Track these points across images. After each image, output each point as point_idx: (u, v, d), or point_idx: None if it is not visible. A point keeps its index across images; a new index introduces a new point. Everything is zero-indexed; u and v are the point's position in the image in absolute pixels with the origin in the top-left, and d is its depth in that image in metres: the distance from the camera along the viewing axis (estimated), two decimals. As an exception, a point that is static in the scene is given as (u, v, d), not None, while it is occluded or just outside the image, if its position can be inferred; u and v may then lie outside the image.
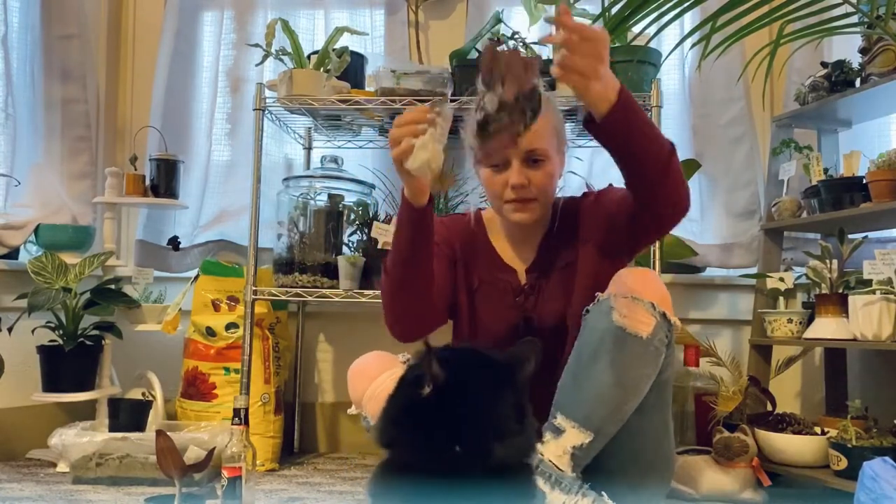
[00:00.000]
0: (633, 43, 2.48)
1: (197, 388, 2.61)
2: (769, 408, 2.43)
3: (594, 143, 2.87)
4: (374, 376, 1.66)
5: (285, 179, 2.76)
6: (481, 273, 1.74)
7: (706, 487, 2.13)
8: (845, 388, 2.57)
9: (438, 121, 1.31)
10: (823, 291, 2.32)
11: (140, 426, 2.40)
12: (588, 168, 2.92)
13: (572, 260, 1.69)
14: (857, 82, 2.39)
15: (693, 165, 2.65)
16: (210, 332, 2.64)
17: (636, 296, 1.48)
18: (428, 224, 1.48)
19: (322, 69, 2.59)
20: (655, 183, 1.41)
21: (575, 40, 1.20)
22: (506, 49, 1.34)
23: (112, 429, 2.39)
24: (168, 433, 1.91)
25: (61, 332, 2.48)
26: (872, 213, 2.21)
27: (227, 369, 2.61)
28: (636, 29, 2.25)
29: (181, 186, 2.78)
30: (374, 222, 2.51)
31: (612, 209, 1.64)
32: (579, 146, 2.91)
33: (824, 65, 2.50)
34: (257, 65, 2.83)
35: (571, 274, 1.67)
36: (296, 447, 2.91)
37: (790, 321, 2.43)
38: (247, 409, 2.45)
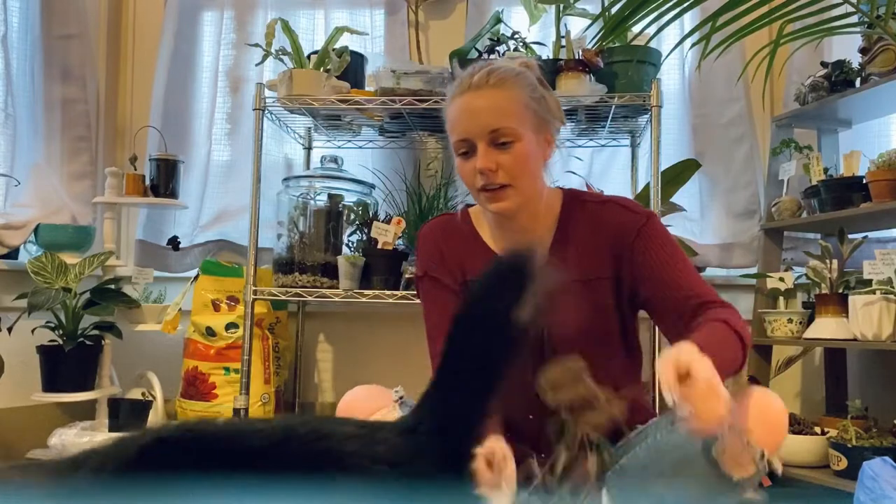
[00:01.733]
0: (633, 43, 2.48)
1: (197, 388, 2.61)
2: (769, 408, 2.43)
3: (594, 143, 2.91)
4: (365, 415, 1.49)
5: (285, 179, 2.76)
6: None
7: (706, 487, 2.13)
8: (845, 388, 2.57)
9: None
10: (823, 291, 2.32)
11: (140, 426, 2.40)
12: (588, 168, 2.92)
13: (593, 278, 1.45)
14: (857, 82, 2.39)
15: (693, 165, 2.65)
16: (210, 332, 2.64)
17: (750, 439, 1.26)
18: None
19: (322, 69, 2.59)
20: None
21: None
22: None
23: (112, 429, 2.39)
24: (168, 433, 1.91)
25: (61, 332, 2.48)
26: (872, 213, 2.21)
27: (227, 369, 2.61)
28: (636, 29, 2.25)
29: (181, 186, 2.78)
30: (374, 222, 2.51)
31: (650, 290, 1.42)
32: (579, 146, 2.91)
33: (824, 65, 2.50)
34: (257, 65, 2.83)
35: (591, 293, 1.45)
36: (296, 447, 2.90)
37: (790, 321, 2.43)
38: (247, 409, 2.45)
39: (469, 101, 1.38)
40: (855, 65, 2.41)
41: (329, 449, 0.72)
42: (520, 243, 1.45)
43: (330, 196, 2.67)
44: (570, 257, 1.45)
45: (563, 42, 2.52)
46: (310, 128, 2.98)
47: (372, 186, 2.80)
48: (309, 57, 2.67)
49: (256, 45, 2.65)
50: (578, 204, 1.49)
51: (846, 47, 2.56)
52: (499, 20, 2.68)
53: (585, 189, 2.63)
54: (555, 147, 1.48)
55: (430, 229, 1.58)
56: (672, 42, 2.61)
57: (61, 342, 2.46)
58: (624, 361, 1.49)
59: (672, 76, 2.92)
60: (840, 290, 2.28)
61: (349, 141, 2.99)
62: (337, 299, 2.49)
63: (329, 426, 0.76)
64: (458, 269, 1.52)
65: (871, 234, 2.46)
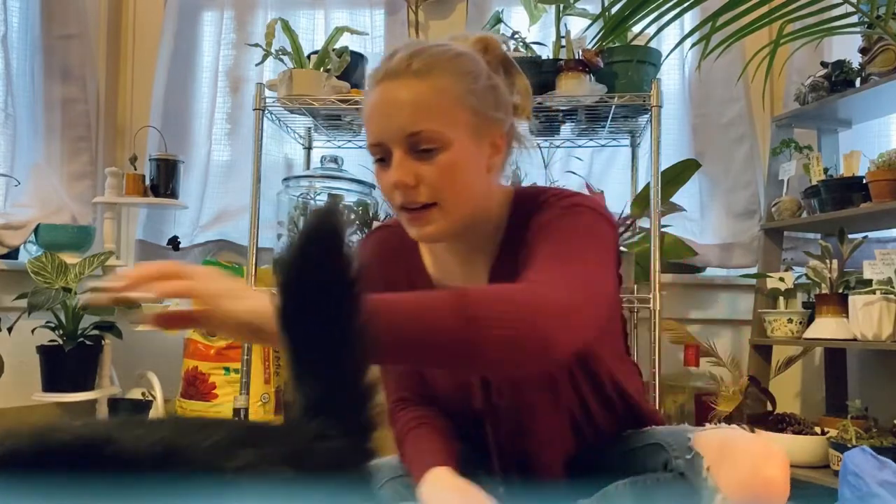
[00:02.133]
0: (633, 43, 2.48)
1: (197, 388, 2.61)
2: (769, 408, 2.43)
3: (594, 143, 2.91)
4: None
5: (285, 179, 2.76)
6: None
7: (706, 487, 2.13)
8: (845, 388, 2.57)
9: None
10: (823, 291, 2.32)
11: (140, 426, 2.40)
12: (588, 168, 2.92)
13: None
14: (858, 82, 2.39)
15: (693, 165, 2.65)
16: (210, 332, 2.64)
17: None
18: None
19: (322, 69, 2.59)
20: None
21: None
22: None
23: (112, 429, 2.38)
24: (168, 433, 1.91)
25: (61, 331, 2.47)
26: (872, 213, 2.21)
27: (227, 369, 2.61)
28: (636, 29, 2.25)
29: (181, 186, 2.78)
30: (374, 222, 2.51)
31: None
32: (579, 146, 2.91)
33: (824, 65, 2.50)
34: (257, 65, 2.83)
35: None
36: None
37: (790, 321, 2.43)
38: (247, 409, 2.45)
39: (384, 93, 1.07)
40: (855, 65, 2.41)
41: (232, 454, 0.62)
42: (457, 273, 1.18)
43: (330, 196, 2.67)
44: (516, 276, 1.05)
45: (563, 42, 2.52)
46: (310, 128, 2.98)
47: (372, 186, 2.80)
48: (309, 57, 2.67)
49: (256, 45, 2.65)
50: (525, 212, 1.13)
51: (846, 47, 2.56)
52: (499, 20, 2.68)
53: (585, 189, 2.63)
54: (508, 150, 1.16)
55: (365, 244, 1.29)
56: (672, 42, 2.61)
57: (61, 342, 2.46)
58: (608, 369, 1.19)
59: (672, 76, 2.91)
60: (840, 290, 2.28)
61: (349, 141, 2.99)
62: (337, 299, 2.48)
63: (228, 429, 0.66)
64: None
65: (872, 234, 2.46)
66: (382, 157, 1.08)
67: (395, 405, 1.25)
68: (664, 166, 2.47)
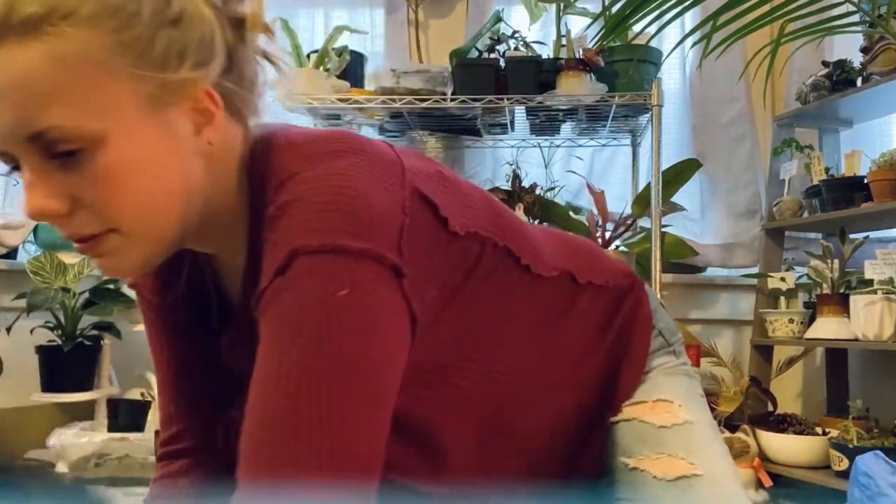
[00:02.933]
0: (634, 42, 2.48)
1: (196, 388, 2.60)
2: (770, 408, 2.42)
3: (594, 142, 2.90)
4: None
5: (285, 179, 2.75)
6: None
7: (707, 488, 2.13)
8: (846, 388, 2.57)
9: None
10: (825, 291, 2.31)
11: (139, 426, 2.39)
12: (589, 168, 2.91)
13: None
14: (859, 81, 2.39)
15: (694, 165, 2.64)
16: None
17: None
18: None
19: (321, 68, 2.58)
20: None
21: None
22: None
23: (111, 429, 2.38)
24: (167, 434, 1.91)
25: (60, 332, 2.47)
26: (874, 213, 2.21)
27: (226, 369, 2.60)
28: (637, 28, 2.24)
29: (180, 186, 2.78)
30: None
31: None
32: (580, 145, 2.90)
33: (825, 64, 2.49)
34: (257, 64, 2.82)
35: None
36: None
37: (791, 321, 2.42)
38: (246, 410, 2.45)
39: None
40: (856, 64, 2.40)
41: None
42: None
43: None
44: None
45: (564, 41, 2.52)
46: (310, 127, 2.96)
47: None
48: (308, 56, 2.66)
49: (256, 44, 2.64)
50: (261, 211, 0.70)
51: (847, 47, 2.55)
52: (499, 19, 2.67)
53: (586, 189, 2.62)
54: (238, 99, 0.73)
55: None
56: (673, 41, 2.60)
57: (60, 342, 2.46)
58: None
59: (673, 75, 2.91)
60: (841, 290, 2.28)
61: (349, 140, 2.98)
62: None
63: None
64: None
65: (873, 234, 2.45)
66: (17, 166, 0.71)
67: (165, 447, 0.99)
68: (665, 166, 2.47)
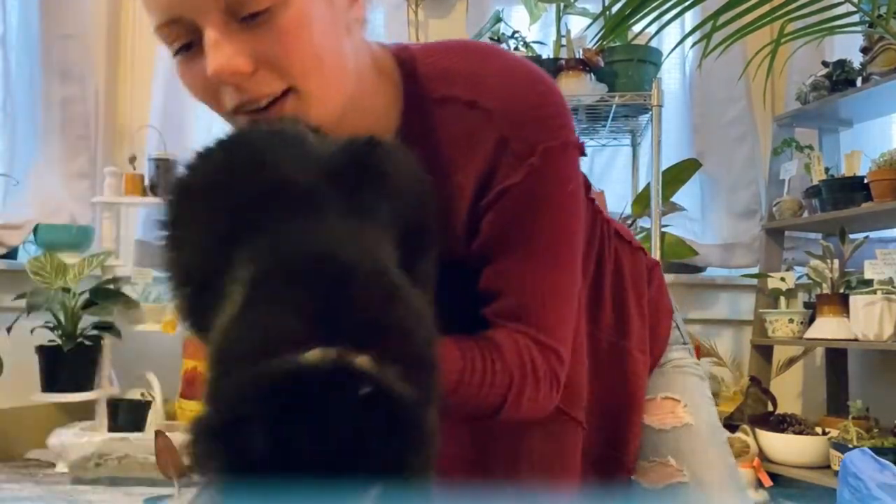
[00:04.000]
0: (634, 42, 2.48)
1: (196, 388, 2.60)
2: (770, 408, 2.42)
3: (594, 142, 2.90)
4: None
5: (285, 179, 2.75)
6: None
7: (707, 488, 2.13)
8: (846, 388, 2.57)
9: None
10: (824, 291, 2.31)
11: (139, 426, 2.39)
12: (589, 167, 2.91)
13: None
14: (859, 81, 2.39)
15: (694, 165, 2.64)
16: (209, 332, 2.63)
17: None
18: None
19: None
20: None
21: None
22: None
23: (111, 429, 2.38)
24: (167, 434, 1.91)
25: (60, 332, 2.47)
26: (874, 213, 2.21)
27: (226, 369, 2.60)
28: (637, 28, 2.24)
29: (180, 186, 2.77)
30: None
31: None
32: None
33: (825, 64, 2.49)
34: (257, 64, 2.82)
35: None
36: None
37: (791, 321, 2.42)
38: (246, 410, 2.45)
39: None
40: (856, 64, 2.40)
41: None
42: None
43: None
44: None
45: (564, 41, 2.52)
46: (309, 127, 2.97)
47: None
48: (308, 56, 2.66)
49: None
50: (433, 102, 0.78)
51: (847, 47, 2.55)
52: (499, 19, 2.67)
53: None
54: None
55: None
56: (673, 41, 2.60)
57: (60, 342, 2.45)
58: None
59: (673, 75, 2.91)
60: (841, 290, 2.28)
61: (349, 140, 2.98)
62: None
63: None
64: None
65: (873, 234, 2.45)
66: (187, 44, 0.71)
67: None
68: (665, 166, 2.47)
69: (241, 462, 0.46)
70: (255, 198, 0.58)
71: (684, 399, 0.94)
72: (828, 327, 2.25)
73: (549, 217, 0.77)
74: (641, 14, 1.50)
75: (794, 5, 1.47)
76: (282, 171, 0.58)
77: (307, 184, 0.58)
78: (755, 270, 2.72)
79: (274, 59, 0.69)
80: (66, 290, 2.43)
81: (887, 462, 1.60)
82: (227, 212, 0.60)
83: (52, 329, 2.46)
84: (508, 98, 0.76)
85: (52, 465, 2.46)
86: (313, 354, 0.48)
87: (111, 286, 2.60)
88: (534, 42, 2.62)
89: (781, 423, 2.29)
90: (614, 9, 1.51)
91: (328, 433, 0.46)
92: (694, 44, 2.79)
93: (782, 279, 2.49)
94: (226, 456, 0.47)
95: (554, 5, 2.63)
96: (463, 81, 0.77)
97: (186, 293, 0.66)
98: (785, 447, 2.22)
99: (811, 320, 2.36)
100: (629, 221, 2.53)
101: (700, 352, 2.54)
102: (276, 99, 0.70)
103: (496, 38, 2.56)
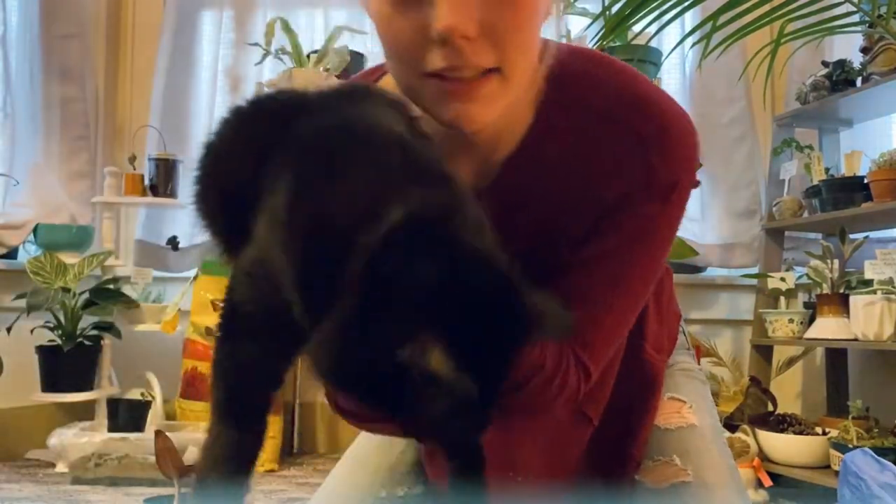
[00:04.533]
0: (634, 42, 2.47)
1: (196, 388, 2.60)
2: (770, 408, 2.42)
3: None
4: None
5: (285, 179, 2.75)
6: None
7: (707, 488, 2.13)
8: (846, 388, 2.57)
9: None
10: (824, 291, 2.31)
11: (139, 426, 2.39)
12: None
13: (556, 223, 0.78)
14: (859, 81, 2.39)
15: (694, 165, 2.64)
16: (209, 332, 2.63)
17: None
18: None
19: (322, 68, 2.58)
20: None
21: None
22: None
23: (111, 429, 2.38)
24: (167, 433, 1.90)
25: (60, 332, 2.47)
26: (874, 213, 2.21)
27: (226, 369, 2.60)
28: (636, 28, 2.24)
29: (180, 186, 2.78)
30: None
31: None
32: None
33: (825, 64, 2.49)
34: (257, 64, 2.82)
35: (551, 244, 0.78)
36: (295, 447, 2.90)
37: (791, 321, 2.42)
38: (246, 410, 2.45)
39: None
40: (856, 64, 2.40)
41: None
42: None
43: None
44: (528, 201, 0.77)
45: (564, 41, 2.51)
46: (309, 127, 2.96)
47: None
48: (308, 56, 2.66)
49: (256, 44, 2.64)
50: (565, 104, 0.76)
51: (847, 47, 2.55)
52: (499, 19, 2.67)
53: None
54: None
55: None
56: (673, 41, 2.60)
57: (60, 342, 2.45)
58: None
59: (673, 75, 2.91)
60: (841, 290, 2.28)
61: (349, 140, 2.98)
62: (336, 299, 2.48)
63: None
64: None
65: (873, 234, 2.45)
66: None
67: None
68: (665, 166, 2.46)
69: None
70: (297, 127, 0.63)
71: (689, 401, 0.95)
72: (828, 327, 2.25)
73: (652, 251, 0.79)
74: (641, 14, 1.50)
75: (794, 5, 1.47)
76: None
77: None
78: (755, 270, 2.72)
79: (500, 32, 0.66)
80: (66, 290, 2.43)
81: (888, 462, 1.60)
82: (270, 130, 0.65)
83: (51, 329, 2.46)
84: (664, 129, 0.76)
85: (52, 465, 2.46)
86: (397, 213, 0.54)
87: (111, 286, 2.60)
88: (534, 42, 2.62)
89: (781, 423, 2.28)
90: (614, 9, 1.51)
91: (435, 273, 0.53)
92: (694, 44, 2.78)
93: (782, 279, 2.49)
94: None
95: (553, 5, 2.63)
96: (613, 96, 0.76)
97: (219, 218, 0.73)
98: (785, 447, 2.22)
99: (811, 320, 2.36)
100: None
101: (700, 352, 2.54)
102: (483, 73, 0.67)
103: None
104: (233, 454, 0.67)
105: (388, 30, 0.68)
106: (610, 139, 0.75)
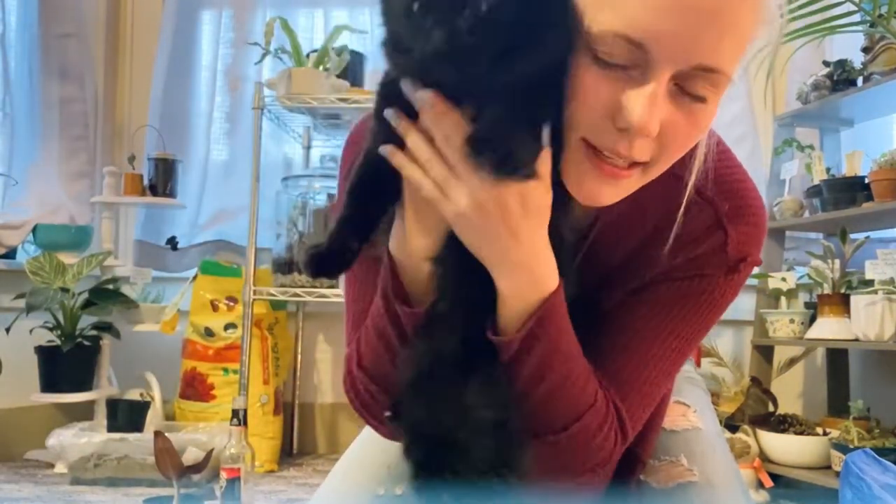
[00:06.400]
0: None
1: (195, 388, 2.60)
2: (771, 408, 2.42)
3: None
4: None
5: (284, 179, 2.75)
6: None
7: (707, 489, 2.12)
8: (847, 388, 2.56)
9: None
10: (825, 291, 2.31)
11: (138, 427, 2.39)
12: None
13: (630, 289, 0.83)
14: (860, 81, 2.38)
15: (694, 165, 2.64)
16: (208, 333, 2.63)
17: None
18: None
19: (321, 68, 2.58)
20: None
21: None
22: None
23: (110, 429, 2.38)
24: (166, 434, 1.90)
25: (59, 332, 2.47)
26: (874, 213, 2.20)
27: (225, 370, 2.59)
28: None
29: (179, 186, 2.77)
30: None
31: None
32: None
33: (826, 63, 2.49)
34: (256, 63, 2.82)
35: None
36: (295, 448, 2.90)
37: (792, 321, 2.42)
38: (245, 410, 2.44)
39: None
40: (857, 64, 2.39)
41: None
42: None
43: (329, 195, 2.66)
44: (616, 239, 0.83)
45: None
46: (309, 127, 2.96)
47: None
48: (308, 55, 2.66)
49: (255, 43, 2.64)
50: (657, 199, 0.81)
51: (848, 46, 2.55)
52: (499, 19, 2.66)
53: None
54: None
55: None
56: (673, 41, 2.59)
57: (59, 342, 2.45)
58: None
59: (673, 75, 2.90)
60: (842, 291, 2.27)
61: (349, 140, 2.97)
62: (336, 299, 2.48)
63: None
64: None
65: (874, 234, 2.45)
66: (625, 66, 0.65)
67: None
68: (665, 166, 2.46)
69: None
70: None
71: (694, 406, 0.97)
72: (829, 327, 2.24)
73: (707, 318, 0.83)
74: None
75: (795, 4, 1.47)
76: None
77: None
78: (756, 270, 2.72)
79: (671, 140, 0.69)
80: (65, 290, 2.43)
81: (889, 463, 1.59)
82: None
83: (51, 329, 2.46)
84: (742, 205, 0.81)
85: (51, 465, 2.45)
86: None
87: (110, 286, 2.60)
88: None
89: (782, 424, 2.28)
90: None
91: None
92: (694, 43, 2.78)
93: (783, 279, 2.49)
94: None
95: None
96: (704, 171, 0.80)
97: None
98: (786, 448, 2.21)
99: (812, 320, 2.36)
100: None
101: (701, 352, 2.54)
102: (632, 165, 0.70)
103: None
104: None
105: (586, 91, 0.68)
106: (691, 209, 0.80)
